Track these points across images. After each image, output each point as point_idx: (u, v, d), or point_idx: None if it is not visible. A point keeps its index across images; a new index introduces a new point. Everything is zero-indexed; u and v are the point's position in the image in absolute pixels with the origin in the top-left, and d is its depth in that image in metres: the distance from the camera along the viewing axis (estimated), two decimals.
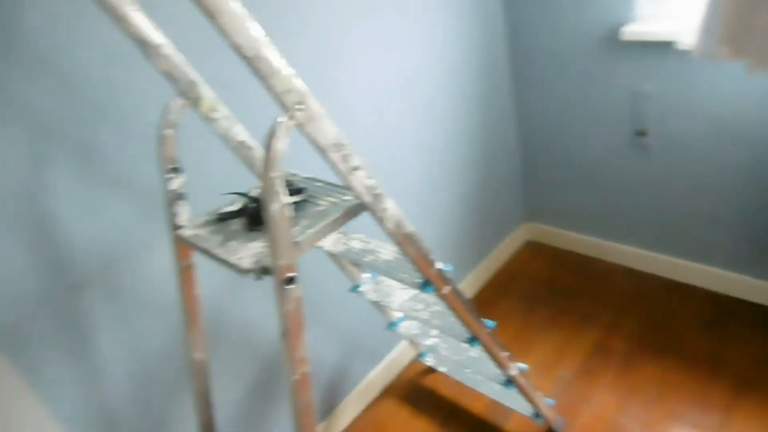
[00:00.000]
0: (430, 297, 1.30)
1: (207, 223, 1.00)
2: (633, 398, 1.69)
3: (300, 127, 0.73)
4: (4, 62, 0.92)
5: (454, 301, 1.09)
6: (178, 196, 0.98)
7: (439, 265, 1.02)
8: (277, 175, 0.72)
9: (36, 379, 1.07)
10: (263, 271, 0.84)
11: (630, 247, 2.17)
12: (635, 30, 1.68)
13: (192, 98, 0.92)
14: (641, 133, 1.87)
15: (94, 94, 1.05)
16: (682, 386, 1.68)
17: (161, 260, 1.20)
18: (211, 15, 0.61)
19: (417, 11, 1.66)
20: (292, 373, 0.83)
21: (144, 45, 0.84)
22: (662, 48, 1.66)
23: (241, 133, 1.01)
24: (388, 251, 1.10)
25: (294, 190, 0.97)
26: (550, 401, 1.57)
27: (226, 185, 1.10)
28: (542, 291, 2.20)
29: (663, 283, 2.09)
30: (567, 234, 2.34)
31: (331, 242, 1.16)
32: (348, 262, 1.35)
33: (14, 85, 0.94)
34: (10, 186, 0.97)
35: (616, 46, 1.77)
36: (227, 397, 1.44)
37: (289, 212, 0.75)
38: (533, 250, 2.44)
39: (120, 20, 0.81)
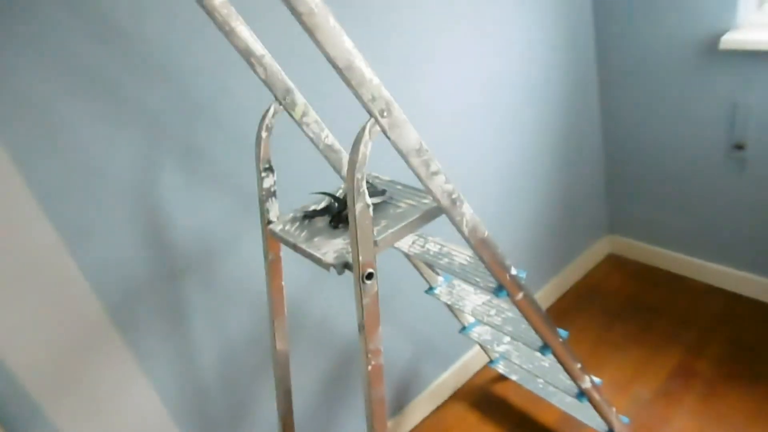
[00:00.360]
0: (503, 303, 1.31)
1: (294, 220, 1.08)
2: (717, 426, 1.60)
3: (384, 132, 0.78)
4: (126, 70, 1.05)
5: (527, 307, 1.10)
6: (270, 194, 1.06)
7: (513, 270, 1.04)
8: (362, 176, 0.77)
9: (140, 352, 1.19)
10: (345, 266, 0.90)
11: (719, 265, 2.05)
12: (737, 38, 1.60)
13: (287, 104, 1.00)
14: (739, 147, 1.77)
15: (200, 98, 1.16)
16: None
17: (252, 252, 1.30)
18: (309, 30, 0.67)
19: (500, 20, 1.67)
20: (367, 363, 0.87)
21: (248, 55, 0.93)
22: (765, 57, 1.57)
23: (329, 136, 1.08)
24: (463, 255, 1.12)
25: (376, 192, 1.02)
26: (625, 419, 1.53)
27: (312, 185, 1.17)
28: (623, 306, 2.13)
29: (755, 305, 1.97)
30: (652, 249, 2.25)
31: (408, 243, 1.20)
32: (423, 264, 1.39)
33: (133, 89, 1.07)
34: (126, 181, 1.10)
35: (714, 54, 1.69)
36: (304, 385, 1.52)
37: (370, 212, 0.80)
38: (615, 263, 2.37)
39: (229, 33, 0.89)
